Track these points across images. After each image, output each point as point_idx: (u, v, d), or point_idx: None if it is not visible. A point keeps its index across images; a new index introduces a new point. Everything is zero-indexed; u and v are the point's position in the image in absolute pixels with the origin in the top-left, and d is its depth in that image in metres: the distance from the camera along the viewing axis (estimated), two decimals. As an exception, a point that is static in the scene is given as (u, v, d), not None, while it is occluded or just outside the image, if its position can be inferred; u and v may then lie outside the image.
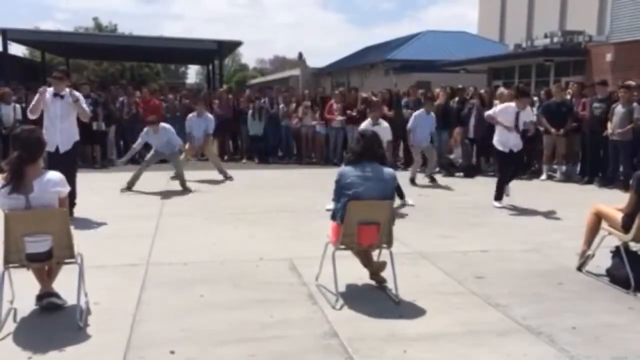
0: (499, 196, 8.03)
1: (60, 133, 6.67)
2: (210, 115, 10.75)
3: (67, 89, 6.80)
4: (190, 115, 10.66)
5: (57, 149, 6.66)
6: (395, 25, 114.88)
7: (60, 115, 6.66)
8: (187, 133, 10.43)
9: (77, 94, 6.92)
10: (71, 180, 6.69)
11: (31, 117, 6.75)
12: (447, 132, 11.44)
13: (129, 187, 8.92)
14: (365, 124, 7.77)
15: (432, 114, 9.90)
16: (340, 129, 12.60)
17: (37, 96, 6.66)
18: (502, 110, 8.03)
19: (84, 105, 6.94)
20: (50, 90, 6.71)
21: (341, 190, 4.32)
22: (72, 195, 6.76)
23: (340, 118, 12.50)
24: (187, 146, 10.25)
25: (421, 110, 9.81)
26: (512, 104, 7.98)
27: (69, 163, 6.73)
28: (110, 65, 43.46)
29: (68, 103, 6.71)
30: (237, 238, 6.10)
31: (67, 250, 3.82)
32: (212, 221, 6.91)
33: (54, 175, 3.90)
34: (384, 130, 7.55)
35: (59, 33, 26.27)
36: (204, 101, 11.64)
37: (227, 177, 10.29)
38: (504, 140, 7.87)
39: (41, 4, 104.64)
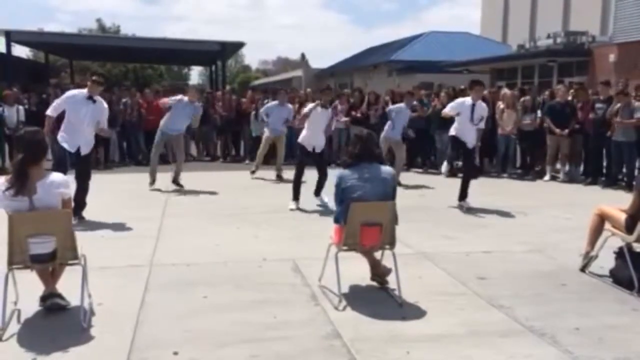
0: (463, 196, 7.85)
1: (85, 135, 6.73)
2: (290, 106, 10.72)
3: (99, 97, 6.89)
4: (270, 105, 10.60)
5: (78, 150, 6.71)
6: (397, 26, 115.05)
7: (89, 119, 6.69)
8: (260, 120, 10.46)
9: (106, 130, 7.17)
10: (86, 182, 6.82)
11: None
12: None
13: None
14: (310, 107, 7.62)
15: (408, 110, 9.89)
16: (344, 130, 12.61)
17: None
18: (458, 104, 7.93)
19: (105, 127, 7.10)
20: (83, 92, 6.75)
21: (342, 193, 4.32)
22: (83, 196, 6.83)
23: (344, 119, 12.50)
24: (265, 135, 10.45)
25: (402, 105, 9.90)
26: (468, 98, 7.91)
27: (87, 165, 6.88)
28: (113, 67, 43.53)
29: (98, 109, 6.78)
30: (240, 239, 6.10)
31: (71, 251, 3.83)
32: (214, 222, 6.92)
33: (58, 176, 3.92)
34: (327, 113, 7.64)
35: (63, 35, 26.31)
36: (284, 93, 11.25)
37: (280, 177, 10.40)
38: (461, 133, 7.80)
39: (44, 5, 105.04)
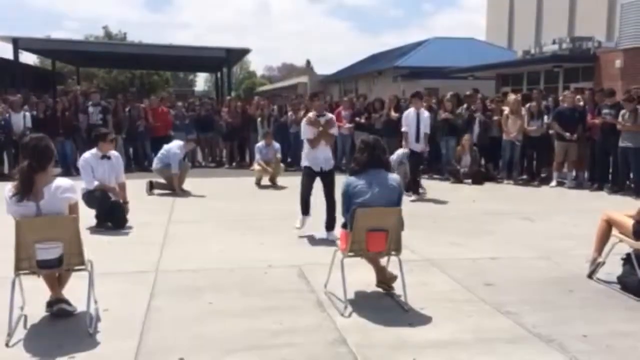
0: (415, 190, 8.92)
1: (113, 188, 6.98)
2: (277, 144, 11.11)
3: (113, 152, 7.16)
4: (258, 145, 11.04)
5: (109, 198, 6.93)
6: (402, 32, 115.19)
7: (108, 176, 6.93)
8: (257, 160, 10.88)
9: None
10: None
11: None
12: (455, 139, 11.45)
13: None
14: (314, 131, 6.37)
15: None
16: (348, 136, 12.62)
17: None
18: (405, 117, 8.91)
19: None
20: (94, 152, 6.94)
21: (349, 199, 4.32)
22: (123, 202, 7.03)
23: (348, 125, 12.52)
24: (256, 167, 10.74)
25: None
26: (412, 109, 8.89)
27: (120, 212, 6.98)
28: (119, 73, 43.74)
29: (113, 164, 7.00)
30: (246, 245, 6.10)
31: (78, 257, 3.84)
32: (220, 228, 6.92)
33: (64, 181, 3.93)
34: (330, 120, 7.01)
35: (70, 42, 26.48)
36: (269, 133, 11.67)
37: (273, 183, 10.64)
38: (409, 142, 8.86)
39: (52, 13, 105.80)
